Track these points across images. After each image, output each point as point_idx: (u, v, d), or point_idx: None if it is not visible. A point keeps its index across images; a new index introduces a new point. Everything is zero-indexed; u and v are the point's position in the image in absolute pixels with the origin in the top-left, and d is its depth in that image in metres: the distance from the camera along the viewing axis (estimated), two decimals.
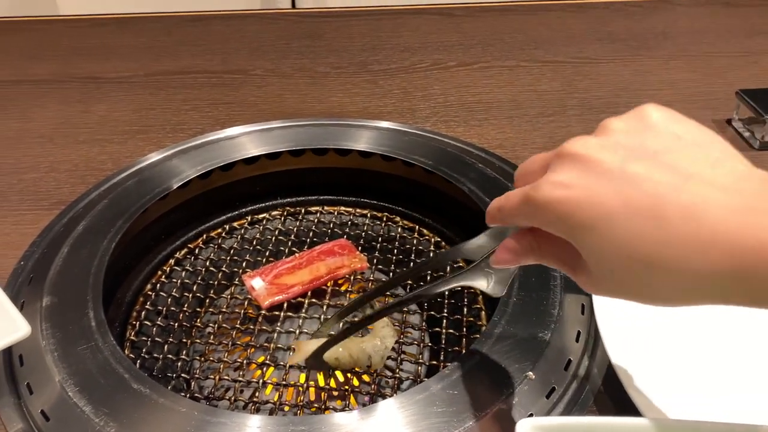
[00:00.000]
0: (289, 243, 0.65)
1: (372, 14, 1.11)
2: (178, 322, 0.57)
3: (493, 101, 0.86)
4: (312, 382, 0.51)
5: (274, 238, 0.66)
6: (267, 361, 0.53)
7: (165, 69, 0.94)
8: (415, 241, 0.66)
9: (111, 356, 0.47)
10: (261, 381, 0.52)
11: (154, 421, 0.42)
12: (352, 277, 0.61)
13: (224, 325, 0.57)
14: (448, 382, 0.44)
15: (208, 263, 0.63)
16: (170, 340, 0.55)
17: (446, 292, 0.58)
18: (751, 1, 1.13)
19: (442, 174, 0.65)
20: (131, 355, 0.54)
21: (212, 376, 0.52)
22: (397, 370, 0.52)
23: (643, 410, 0.43)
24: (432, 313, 0.57)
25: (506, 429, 0.42)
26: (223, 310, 0.58)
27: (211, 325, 0.58)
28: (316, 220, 0.69)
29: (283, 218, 0.69)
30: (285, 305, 0.58)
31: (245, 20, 1.11)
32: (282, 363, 0.53)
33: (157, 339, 0.55)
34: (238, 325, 0.56)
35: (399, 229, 0.68)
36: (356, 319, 0.48)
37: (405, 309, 0.57)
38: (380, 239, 0.66)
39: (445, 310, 0.56)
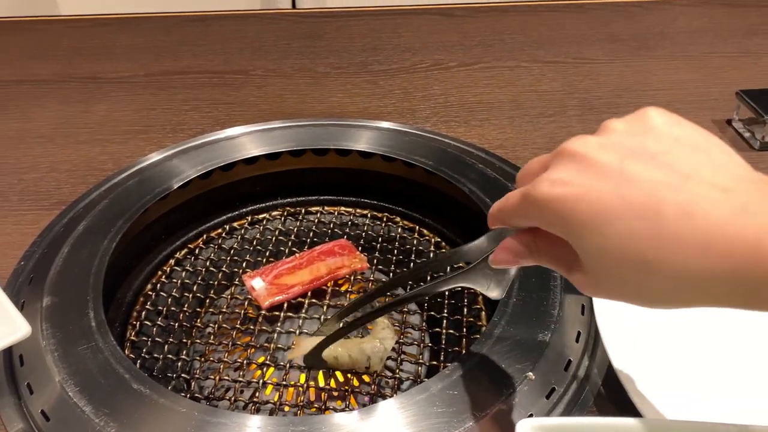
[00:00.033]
0: (290, 243, 0.66)
1: (372, 14, 1.11)
2: (179, 323, 0.58)
3: (493, 101, 0.86)
4: (312, 383, 0.52)
5: (274, 238, 0.66)
6: (267, 362, 0.53)
7: (165, 69, 0.94)
8: (415, 242, 0.66)
9: (111, 356, 0.47)
10: (261, 381, 0.52)
11: (155, 422, 0.42)
12: (352, 278, 0.61)
13: (224, 325, 0.57)
14: (448, 382, 0.44)
15: (208, 263, 0.63)
16: (170, 340, 0.55)
17: (446, 293, 0.58)
18: (749, 1, 1.13)
19: (442, 174, 0.65)
20: (131, 356, 0.54)
21: (212, 377, 0.52)
22: (397, 371, 0.52)
23: (642, 410, 0.43)
24: (432, 313, 0.57)
25: (506, 429, 0.43)
26: (224, 310, 0.58)
27: (211, 325, 0.58)
28: (316, 221, 0.69)
29: (283, 218, 0.69)
30: (285, 305, 0.58)
31: (245, 20, 1.11)
32: (282, 363, 0.53)
33: (157, 339, 0.55)
34: (238, 326, 0.56)
35: (399, 230, 0.68)
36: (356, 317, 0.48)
37: (405, 309, 0.57)
38: (380, 239, 0.66)
39: (445, 311, 0.56)
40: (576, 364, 0.48)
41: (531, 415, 0.44)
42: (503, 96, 0.87)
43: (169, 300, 0.59)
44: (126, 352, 0.54)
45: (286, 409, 0.51)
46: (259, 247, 0.65)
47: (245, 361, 0.54)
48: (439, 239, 0.67)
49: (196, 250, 0.66)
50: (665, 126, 0.31)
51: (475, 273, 0.39)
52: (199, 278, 0.62)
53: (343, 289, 0.61)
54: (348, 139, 0.71)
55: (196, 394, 0.52)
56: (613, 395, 0.47)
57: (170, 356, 0.54)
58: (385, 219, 0.69)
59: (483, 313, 0.58)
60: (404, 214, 0.70)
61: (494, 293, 0.40)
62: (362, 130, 0.74)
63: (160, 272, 0.63)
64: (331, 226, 0.68)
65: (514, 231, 0.36)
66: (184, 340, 0.56)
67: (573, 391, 0.47)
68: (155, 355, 0.54)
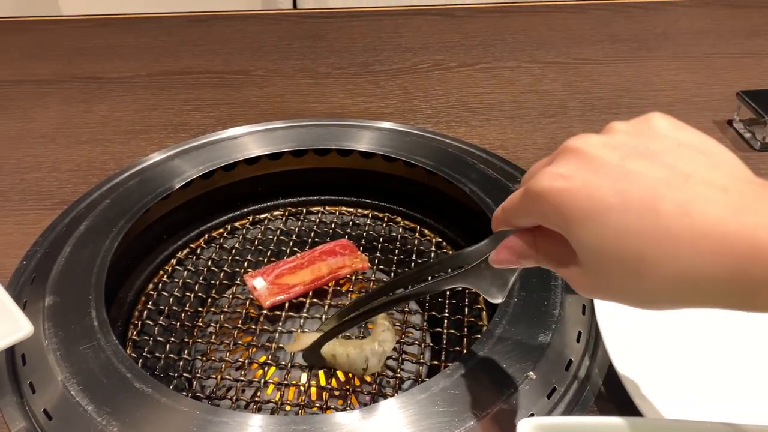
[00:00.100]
0: (291, 243, 0.66)
1: (373, 15, 1.11)
2: (180, 322, 0.58)
3: (494, 102, 0.86)
4: (313, 382, 0.52)
5: (275, 238, 0.66)
6: (268, 361, 0.54)
7: (167, 69, 0.95)
8: (416, 242, 0.66)
9: (113, 356, 0.47)
10: (262, 381, 0.52)
11: (156, 421, 0.43)
12: (353, 277, 0.61)
13: (226, 324, 0.57)
14: (449, 382, 0.45)
15: (209, 263, 0.63)
16: (172, 339, 0.55)
17: (447, 293, 0.58)
18: (751, 2, 1.13)
19: (443, 175, 0.65)
20: (133, 355, 0.54)
21: (214, 376, 0.52)
22: (399, 370, 0.52)
23: (643, 410, 0.43)
24: (433, 313, 0.57)
25: (507, 429, 0.43)
26: (225, 309, 0.58)
27: (212, 324, 0.58)
28: (317, 220, 0.69)
29: (284, 218, 0.69)
30: (286, 305, 0.58)
31: (246, 21, 1.11)
32: (283, 363, 0.53)
33: (159, 338, 0.55)
34: (239, 325, 0.56)
35: (400, 230, 0.68)
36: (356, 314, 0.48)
37: (406, 309, 0.58)
38: (381, 239, 0.66)
39: (447, 311, 0.56)
40: (577, 364, 0.48)
41: (532, 415, 0.44)
42: (504, 96, 0.87)
43: (171, 299, 0.59)
44: (128, 351, 0.54)
45: (288, 408, 0.51)
46: (260, 247, 0.65)
47: (247, 361, 0.54)
48: (440, 239, 0.67)
49: (198, 250, 0.66)
50: (668, 129, 0.31)
51: (476, 273, 0.39)
52: (201, 278, 0.62)
53: (344, 288, 0.61)
54: (349, 139, 0.71)
55: (198, 394, 0.52)
56: (613, 395, 0.47)
57: (172, 355, 0.54)
58: (386, 219, 0.69)
59: (484, 313, 0.58)
60: (405, 214, 0.70)
61: (494, 296, 0.40)
62: (363, 130, 0.74)
63: (161, 272, 0.63)
64: (333, 226, 0.68)
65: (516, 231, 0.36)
66: (186, 340, 0.57)
67: (574, 390, 0.47)
68: (157, 355, 0.54)
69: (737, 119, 0.80)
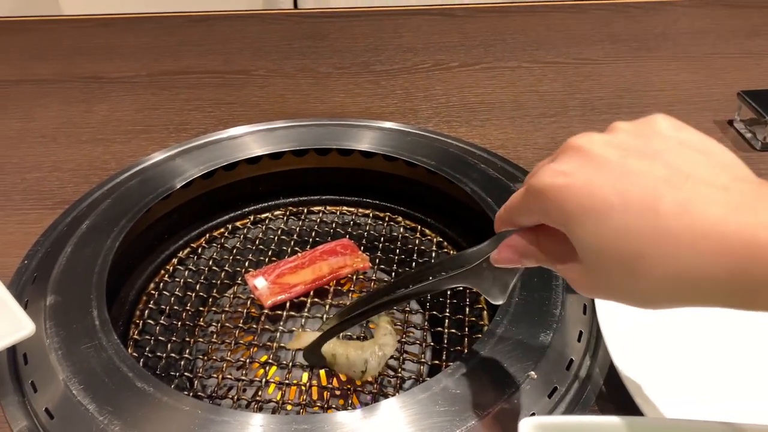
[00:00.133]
0: (292, 243, 0.66)
1: (374, 15, 1.11)
2: (181, 321, 0.58)
3: (495, 102, 0.86)
4: (315, 382, 0.52)
5: (276, 237, 0.66)
6: (270, 360, 0.54)
7: (167, 69, 0.95)
8: (417, 241, 0.66)
9: (115, 355, 0.47)
10: (264, 380, 0.52)
11: (158, 420, 0.43)
12: (354, 277, 0.62)
13: (227, 324, 0.57)
14: (450, 381, 0.45)
15: (211, 263, 0.63)
16: (173, 339, 0.55)
17: (448, 292, 0.58)
18: (751, 2, 1.13)
19: (444, 174, 0.65)
20: (135, 354, 0.54)
21: (215, 375, 0.52)
22: (400, 370, 0.52)
23: (644, 409, 0.43)
24: (434, 312, 0.57)
25: (508, 428, 0.43)
26: (226, 309, 0.58)
27: (214, 324, 0.58)
28: (318, 220, 0.69)
29: (285, 218, 0.70)
30: (287, 304, 0.58)
31: (247, 21, 1.11)
32: (285, 362, 0.53)
33: (160, 338, 0.55)
34: (240, 325, 0.56)
35: (401, 229, 0.68)
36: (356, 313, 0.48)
37: (407, 309, 0.58)
38: (382, 239, 0.66)
39: (448, 310, 0.57)
40: (578, 364, 0.48)
41: (533, 414, 0.44)
42: (504, 96, 0.87)
43: (172, 299, 0.59)
44: (129, 350, 0.54)
45: (289, 407, 0.51)
46: (261, 247, 0.66)
47: (248, 360, 0.54)
48: (440, 239, 0.67)
49: (199, 250, 0.66)
50: (670, 130, 0.31)
51: (477, 273, 0.39)
52: (202, 277, 0.62)
53: (345, 288, 0.61)
54: (350, 139, 0.71)
55: (199, 393, 0.52)
56: (614, 394, 0.47)
57: (173, 355, 0.54)
58: (387, 218, 0.69)
59: (485, 312, 0.58)
60: (406, 213, 0.70)
61: (495, 297, 0.40)
62: (364, 130, 0.74)
63: (162, 271, 0.63)
64: (333, 225, 0.68)
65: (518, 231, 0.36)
66: (187, 339, 0.57)
67: (575, 390, 0.47)
68: (158, 354, 0.54)
69: (738, 119, 0.80)
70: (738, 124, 0.80)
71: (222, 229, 0.68)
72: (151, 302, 0.59)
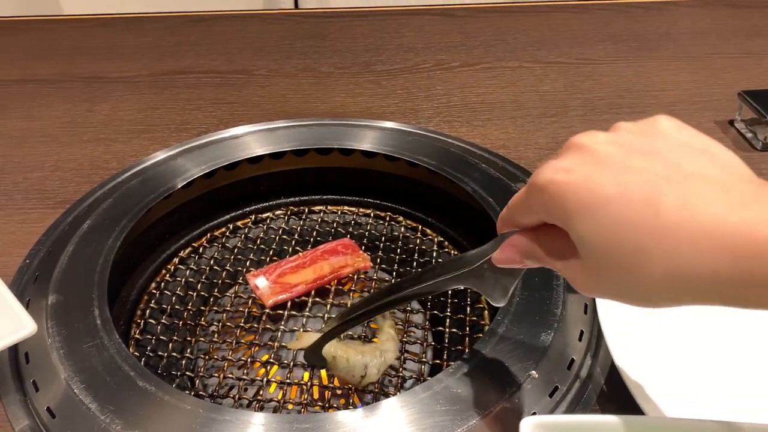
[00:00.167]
0: (293, 242, 0.66)
1: (375, 15, 1.11)
2: (183, 321, 0.58)
3: (496, 102, 0.86)
4: (316, 381, 0.52)
5: (277, 237, 0.67)
6: (271, 360, 0.54)
7: (168, 69, 0.95)
8: (418, 241, 0.66)
9: (116, 354, 0.47)
10: (265, 379, 0.52)
11: (160, 419, 0.43)
12: (355, 277, 0.62)
13: (228, 323, 0.57)
14: (451, 380, 0.45)
15: (212, 262, 0.63)
16: (175, 338, 0.56)
17: (449, 292, 0.58)
18: (752, 2, 1.13)
19: (445, 174, 0.65)
20: (136, 353, 0.54)
21: (216, 374, 0.52)
22: (401, 369, 0.52)
23: (645, 409, 0.43)
24: (435, 312, 0.58)
25: (509, 427, 0.43)
26: (227, 308, 0.58)
27: (215, 323, 0.58)
28: (319, 220, 0.69)
29: (286, 217, 0.70)
30: (289, 304, 0.58)
31: (248, 20, 1.11)
32: (286, 362, 0.53)
33: (161, 337, 0.55)
34: (242, 324, 0.56)
35: (402, 229, 0.68)
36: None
37: (409, 308, 0.58)
38: (383, 239, 0.66)
39: (449, 310, 0.57)
40: (579, 363, 0.48)
41: (534, 414, 0.44)
42: (505, 96, 0.87)
43: (174, 298, 0.59)
44: (131, 349, 0.54)
45: (290, 407, 0.51)
46: (262, 246, 0.66)
47: (249, 360, 0.54)
48: (441, 239, 0.67)
49: (200, 249, 0.66)
50: (673, 130, 0.31)
51: (479, 274, 0.39)
52: (203, 277, 0.62)
53: (346, 288, 0.61)
54: (351, 138, 0.71)
55: (201, 392, 0.53)
56: (615, 394, 0.47)
57: (174, 354, 0.54)
58: (388, 218, 0.69)
59: (486, 312, 0.58)
60: (407, 213, 0.70)
61: (496, 299, 0.40)
62: (365, 129, 0.74)
63: (164, 271, 0.64)
64: (335, 225, 0.68)
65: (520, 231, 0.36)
66: (189, 338, 0.57)
67: (576, 389, 0.47)
68: (160, 353, 0.54)
69: (739, 119, 0.80)
70: (739, 124, 0.80)
71: (223, 229, 0.68)
72: (153, 301, 0.59)
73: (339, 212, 0.70)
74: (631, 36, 1.03)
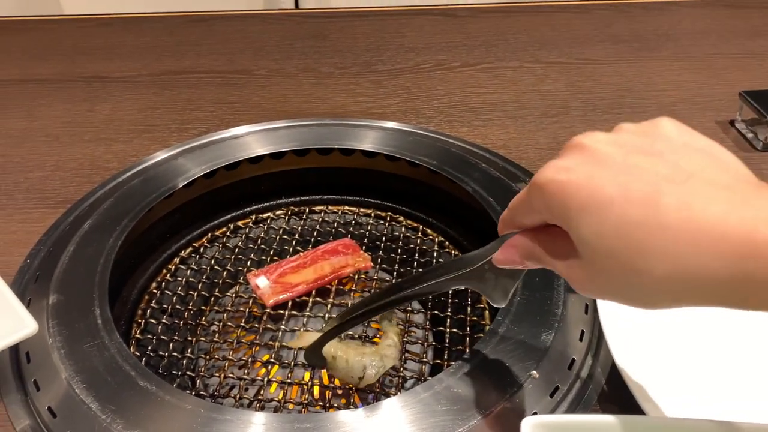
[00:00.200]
0: (294, 242, 0.66)
1: (376, 15, 1.11)
2: (183, 321, 0.58)
3: (496, 102, 0.86)
4: (317, 381, 0.52)
5: (278, 237, 0.67)
6: (272, 360, 0.54)
7: (169, 69, 0.95)
8: (418, 241, 0.66)
9: (117, 354, 0.47)
10: (266, 379, 0.52)
11: (160, 418, 0.43)
12: (356, 276, 0.62)
13: (229, 323, 0.57)
14: (452, 380, 0.45)
15: (213, 262, 0.63)
16: (175, 338, 0.56)
17: (450, 292, 0.58)
18: (753, 2, 1.13)
19: (446, 174, 0.65)
20: (137, 353, 0.54)
21: (217, 374, 0.52)
22: (401, 369, 0.52)
23: (646, 409, 0.43)
24: (436, 312, 0.58)
25: (510, 427, 0.43)
26: (228, 308, 0.58)
27: (216, 323, 0.58)
28: (320, 220, 0.69)
29: (287, 217, 0.70)
30: (289, 304, 0.58)
31: (248, 20, 1.11)
32: (287, 361, 0.53)
33: (162, 337, 0.56)
34: (242, 324, 0.56)
35: (403, 229, 0.68)
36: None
37: (409, 308, 0.58)
38: (384, 239, 0.66)
39: (449, 310, 0.57)
40: (579, 363, 0.48)
41: (535, 413, 0.44)
42: (506, 96, 0.87)
43: (174, 298, 0.59)
44: (131, 349, 0.54)
45: (291, 406, 0.51)
46: (263, 246, 0.66)
47: (250, 359, 0.54)
48: (442, 239, 0.67)
49: (201, 249, 0.66)
50: (675, 133, 0.31)
51: (479, 275, 0.39)
52: (204, 277, 0.62)
53: (347, 288, 0.61)
54: (352, 138, 0.71)
55: (201, 392, 0.53)
56: (616, 394, 0.47)
57: (175, 354, 0.54)
58: (388, 218, 0.69)
59: (486, 312, 0.58)
60: (408, 213, 0.70)
61: (496, 301, 0.40)
62: (366, 129, 0.74)
63: (165, 270, 0.64)
64: (335, 225, 0.68)
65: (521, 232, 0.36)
66: (189, 338, 0.57)
67: (576, 389, 0.47)
68: (160, 353, 0.54)
69: (739, 119, 0.80)
70: (739, 125, 0.80)
71: (224, 229, 0.68)
72: (153, 301, 0.60)
73: (340, 212, 0.70)
74: (632, 36, 1.03)
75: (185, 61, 0.97)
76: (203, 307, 0.59)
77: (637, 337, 0.48)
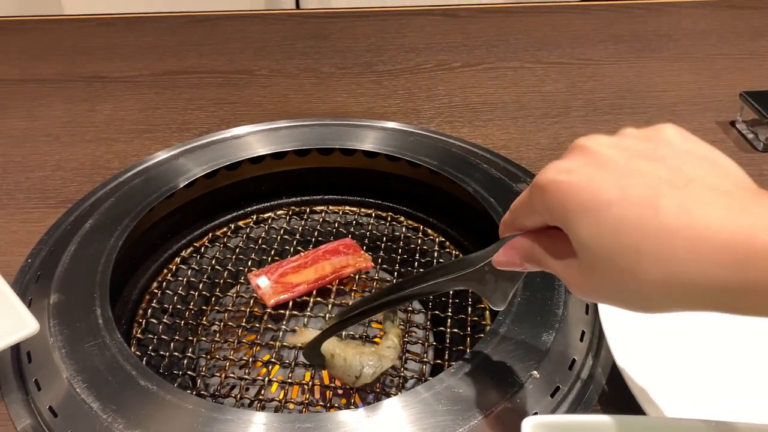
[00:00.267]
0: (295, 242, 0.66)
1: (376, 15, 1.11)
2: (184, 320, 0.58)
3: (497, 102, 0.86)
4: (317, 381, 0.52)
5: (279, 237, 0.67)
6: (272, 359, 0.54)
7: (170, 69, 0.95)
8: (419, 241, 0.66)
9: (118, 353, 0.47)
10: (266, 379, 0.52)
11: (161, 418, 0.43)
12: (356, 277, 0.62)
13: (230, 323, 0.57)
14: (452, 380, 0.45)
15: (213, 262, 0.63)
16: (176, 337, 0.56)
17: (450, 293, 0.58)
18: (753, 3, 1.13)
19: (446, 174, 0.65)
20: (138, 353, 0.54)
21: (218, 374, 0.52)
22: (402, 369, 0.52)
23: (646, 409, 0.43)
24: (436, 312, 0.58)
25: (511, 427, 0.43)
26: (229, 308, 0.58)
27: (216, 323, 0.58)
28: (321, 220, 0.69)
29: (288, 217, 0.70)
30: (290, 304, 0.58)
31: (249, 21, 1.11)
32: (287, 361, 0.53)
33: (163, 336, 0.56)
34: (243, 324, 0.56)
35: (403, 229, 0.68)
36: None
37: (410, 308, 0.58)
38: (385, 239, 0.66)
39: (450, 310, 0.57)
40: (580, 364, 0.48)
41: (536, 413, 0.44)
42: (507, 97, 0.87)
43: (175, 298, 0.59)
44: (132, 349, 0.54)
45: (291, 406, 0.51)
46: (264, 246, 0.66)
47: (251, 359, 0.54)
48: (443, 239, 0.67)
49: (202, 249, 0.66)
50: (678, 138, 0.31)
51: (479, 276, 0.39)
52: (205, 276, 0.62)
53: (347, 288, 0.61)
54: (353, 138, 0.71)
55: (202, 392, 0.53)
56: (616, 394, 0.47)
57: (176, 354, 0.54)
58: (389, 218, 0.69)
59: (487, 312, 0.58)
60: (408, 213, 0.70)
61: (495, 303, 0.40)
62: (367, 130, 0.74)
63: (165, 270, 0.64)
64: (336, 225, 0.68)
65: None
66: (190, 338, 0.57)
67: (577, 389, 0.47)
68: (161, 353, 0.54)
69: (740, 120, 0.80)
70: (740, 125, 0.80)
71: (225, 229, 0.68)
72: (154, 301, 0.60)
73: (340, 212, 0.70)
74: (633, 37, 1.03)
75: (186, 61, 0.97)
76: (204, 307, 0.59)
77: (637, 338, 0.48)
